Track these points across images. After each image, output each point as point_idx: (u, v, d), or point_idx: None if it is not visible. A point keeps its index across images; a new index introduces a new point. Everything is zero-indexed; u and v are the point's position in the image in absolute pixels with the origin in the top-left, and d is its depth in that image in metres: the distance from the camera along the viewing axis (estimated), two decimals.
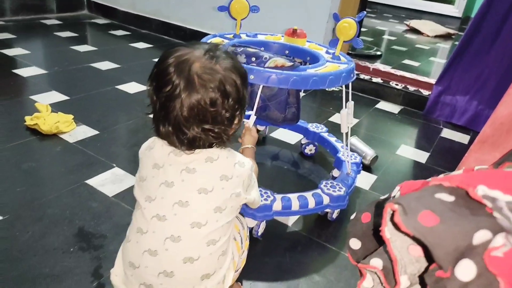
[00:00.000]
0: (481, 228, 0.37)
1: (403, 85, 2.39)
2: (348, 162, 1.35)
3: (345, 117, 1.23)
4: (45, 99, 1.82)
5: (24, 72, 2.11)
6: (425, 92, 2.32)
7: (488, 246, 0.37)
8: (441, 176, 0.55)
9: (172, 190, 0.71)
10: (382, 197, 0.55)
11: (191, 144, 0.70)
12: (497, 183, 0.39)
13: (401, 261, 0.45)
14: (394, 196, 0.52)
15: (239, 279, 0.99)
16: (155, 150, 0.74)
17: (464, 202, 0.39)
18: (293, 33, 1.31)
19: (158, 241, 0.72)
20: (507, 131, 0.71)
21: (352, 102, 1.24)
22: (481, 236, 0.37)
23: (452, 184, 0.41)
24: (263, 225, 1.16)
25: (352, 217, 0.58)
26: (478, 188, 0.38)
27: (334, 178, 1.46)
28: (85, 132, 1.61)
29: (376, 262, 0.49)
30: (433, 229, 0.38)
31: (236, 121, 0.73)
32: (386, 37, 4.23)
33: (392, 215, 0.43)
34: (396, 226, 0.42)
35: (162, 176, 0.72)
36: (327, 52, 1.28)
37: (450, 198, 0.40)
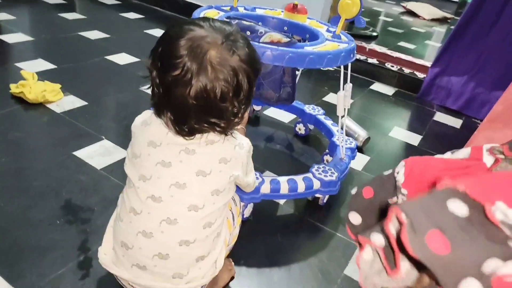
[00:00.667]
0: (493, 256, 0.35)
1: (399, 67, 2.37)
2: (342, 147, 1.31)
3: (342, 99, 1.17)
4: (31, 67, 1.75)
5: (9, 38, 2.03)
6: (420, 75, 2.30)
7: (498, 272, 0.35)
8: (448, 155, 0.53)
9: (169, 170, 0.68)
10: (386, 173, 0.53)
11: (191, 133, 0.66)
12: None
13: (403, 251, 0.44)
14: (398, 172, 0.50)
15: (231, 256, 0.98)
16: (152, 127, 0.69)
17: (478, 217, 0.37)
18: (293, 8, 1.26)
19: (154, 223, 0.69)
20: None
21: (351, 84, 1.18)
22: (491, 264, 0.35)
23: (467, 192, 0.38)
24: (250, 208, 1.13)
25: (353, 191, 0.56)
26: (497, 206, 0.35)
27: (326, 153, 1.43)
28: (73, 102, 1.56)
29: (377, 239, 0.47)
30: (442, 258, 0.35)
31: (240, 115, 0.67)
32: (382, 18, 4.17)
33: (399, 230, 0.40)
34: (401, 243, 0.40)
35: (159, 155, 0.68)
36: (327, 30, 1.24)
37: (463, 211, 0.37)
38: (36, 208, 1.05)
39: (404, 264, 0.45)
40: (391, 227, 0.42)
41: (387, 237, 0.45)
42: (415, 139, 1.80)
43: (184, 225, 0.69)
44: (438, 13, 4.55)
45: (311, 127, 1.62)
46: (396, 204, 0.40)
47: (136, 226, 0.70)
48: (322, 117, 1.54)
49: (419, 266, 0.45)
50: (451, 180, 0.38)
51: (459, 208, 0.37)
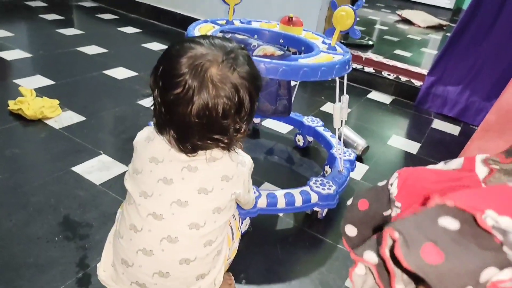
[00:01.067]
0: (489, 265, 0.35)
1: (395, 75, 2.38)
2: (341, 159, 1.29)
3: (338, 111, 1.16)
4: (29, 83, 1.76)
5: (7, 55, 2.04)
6: (417, 83, 2.31)
7: (493, 278, 0.35)
8: (441, 165, 0.53)
9: (171, 187, 0.68)
10: (380, 184, 0.53)
11: (194, 150, 0.66)
12: (507, 206, 0.37)
13: (398, 273, 0.44)
14: (392, 184, 0.50)
15: (230, 270, 0.97)
16: (155, 143, 0.69)
17: (470, 229, 0.37)
18: (289, 21, 1.26)
19: (154, 240, 0.68)
20: None
21: (347, 96, 1.17)
22: (488, 273, 0.35)
23: (457, 205, 0.38)
24: (246, 222, 1.12)
25: (349, 203, 0.56)
26: (487, 214, 0.35)
27: (326, 164, 1.42)
28: (71, 118, 1.56)
29: (370, 257, 0.47)
30: (437, 268, 0.35)
31: (242, 131, 0.67)
32: (378, 27, 4.20)
33: (392, 246, 0.41)
34: (396, 259, 0.40)
35: (161, 172, 0.68)
36: (323, 42, 1.24)
37: (454, 225, 0.37)
38: (34, 224, 1.05)
39: (399, 286, 0.45)
40: (387, 250, 0.42)
41: (382, 259, 0.45)
42: (413, 147, 1.80)
43: (185, 243, 0.69)
44: (433, 20, 4.59)
45: (311, 139, 1.61)
46: (389, 225, 0.40)
47: (136, 243, 0.70)
48: (321, 129, 1.53)
49: (416, 279, 0.44)
50: (440, 197, 0.39)
51: (450, 223, 0.37)
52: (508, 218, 0.35)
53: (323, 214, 1.22)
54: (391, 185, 0.50)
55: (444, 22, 4.67)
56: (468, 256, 0.36)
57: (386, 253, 0.41)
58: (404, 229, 0.38)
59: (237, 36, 1.06)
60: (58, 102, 1.59)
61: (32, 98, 1.54)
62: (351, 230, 0.56)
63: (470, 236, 0.36)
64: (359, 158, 1.60)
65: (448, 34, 2.16)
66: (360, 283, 0.52)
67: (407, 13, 4.69)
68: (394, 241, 0.38)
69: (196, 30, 1.15)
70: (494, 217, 0.35)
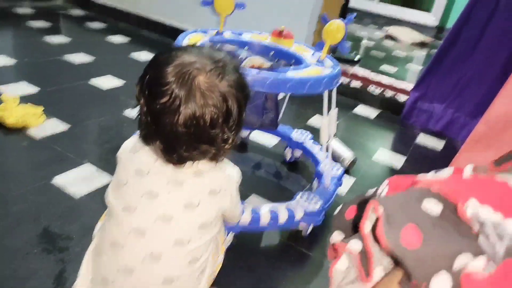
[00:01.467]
0: (464, 251, 0.36)
1: (381, 90, 2.41)
2: (327, 175, 1.27)
3: (326, 126, 1.15)
4: (13, 90, 1.72)
5: None
6: (402, 98, 2.34)
7: (467, 267, 0.36)
8: (431, 175, 0.53)
9: (156, 202, 0.65)
10: (371, 191, 0.53)
11: (181, 161, 0.64)
12: (489, 196, 0.38)
13: (377, 254, 0.44)
14: (382, 191, 0.50)
15: (215, 285, 0.95)
16: (141, 154, 0.67)
17: (451, 215, 0.37)
18: (280, 33, 1.26)
19: (136, 258, 0.66)
20: (502, 129, 0.70)
21: (336, 109, 1.16)
22: (462, 259, 0.36)
23: (441, 192, 0.39)
24: (229, 238, 1.08)
25: (337, 210, 0.56)
26: (468, 204, 0.36)
27: (314, 179, 1.41)
28: (55, 126, 1.53)
29: (354, 245, 0.47)
30: (414, 252, 0.36)
31: (230, 141, 0.66)
32: (364, 42, 4.27)
33: (374, 224, 0.41)
34: (375, 237, 0.40)
35: (146, 185, 0.66)
36: (313, 55, 1.24)
37: (437, 209, 0.38)
38: (14, 235, 1.01)
39: (377, 270, 0.45)
40: (367, 223, 0.42)
41: (363, 240, 0.45)
42: (399, 161, 1.81)
43: (168, 261, 0.67)
44: (418, 37, 4.69)
45: (299, 154, 1.57)
46: (374, 198, 0.41)
47: (117, 261, 0.67)
48: (309, 143, 1.50)
49: (395, 261, 0.45)
50: (426, 182, 0.39)
51: (433, 206, 0.38)
52: (489, 207, 0.36)
53: (307, 232, 1.19)
54: (382, 192, 0.50)
55: (429, 39, 4.77)
56: (445, 240, 0.36)
57: (366, 228, 0.41)
58: (388, 206, 0.38)
59: (226, 47, 1.05)
60: (42, 109, 1.55)
61: (15, 105, 1.50)
62: (338, 235, 0.56)
63: (450, 221, 0.37)
64: (347, 171, 1.60)
65: (434, 51, 2.20)
66: (339, 278, 0.51)
67: (393, 30, 4.78)
68: (377, 218, 0.38)
69: (185, 40, 1.14)
70: (476, 206, 0.36)
